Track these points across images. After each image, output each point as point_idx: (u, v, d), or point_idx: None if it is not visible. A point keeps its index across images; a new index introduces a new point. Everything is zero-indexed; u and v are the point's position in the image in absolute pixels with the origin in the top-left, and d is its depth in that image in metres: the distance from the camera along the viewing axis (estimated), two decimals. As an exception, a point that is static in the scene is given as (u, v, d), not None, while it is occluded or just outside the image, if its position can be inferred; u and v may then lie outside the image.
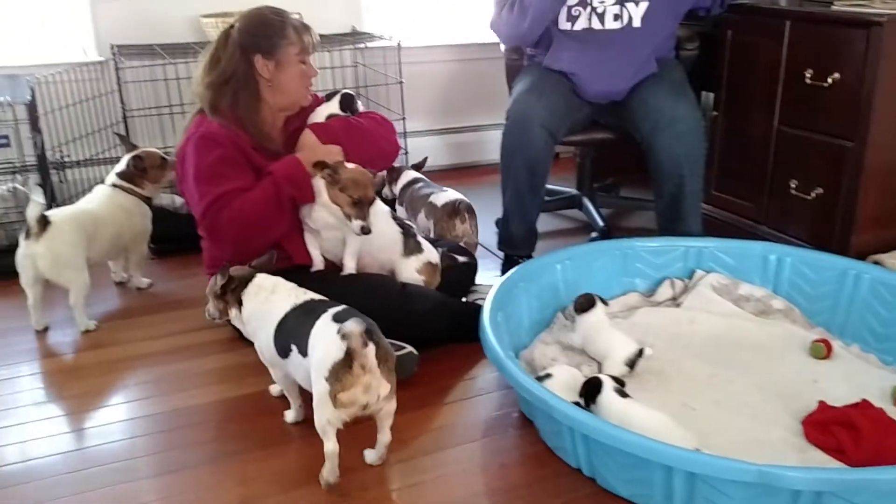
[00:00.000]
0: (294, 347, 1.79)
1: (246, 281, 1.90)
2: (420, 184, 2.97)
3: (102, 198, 2.62)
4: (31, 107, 2.82)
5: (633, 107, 2.65)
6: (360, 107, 2.50)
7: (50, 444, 1.92)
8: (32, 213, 2.34)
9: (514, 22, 2.71)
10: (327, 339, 1.67)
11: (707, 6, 2.76)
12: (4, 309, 2.63)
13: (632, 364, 2.06)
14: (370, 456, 1.80)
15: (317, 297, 1.88)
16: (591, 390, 1.81)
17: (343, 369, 1.62)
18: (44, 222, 2.36)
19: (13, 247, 2.89)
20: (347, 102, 2.41)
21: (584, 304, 2.17)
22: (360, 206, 2.11)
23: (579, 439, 1.67)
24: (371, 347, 1.62)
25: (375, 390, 1.66)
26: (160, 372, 2.24)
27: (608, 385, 1.80)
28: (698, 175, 2.58)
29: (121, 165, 2.68)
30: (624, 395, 1.80)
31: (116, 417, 2.03)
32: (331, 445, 1.69)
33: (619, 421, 1.70)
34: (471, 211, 2.79)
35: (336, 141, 2.28)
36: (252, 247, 2.08)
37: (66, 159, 3.10)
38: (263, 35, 2.18)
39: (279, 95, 2.24)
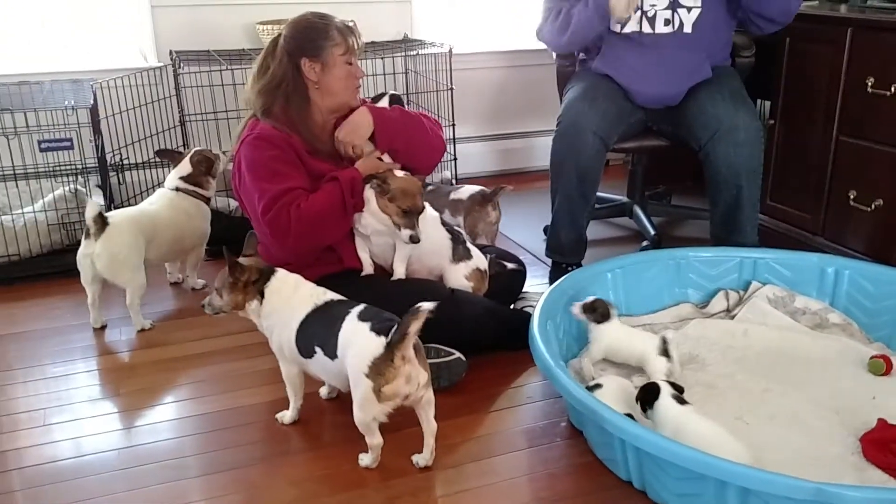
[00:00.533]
0: (319, 350, 1.84)
1: (268, 275, 1.93)
2: (430, 186, 3.02)
3: (164, 201, 2.69)
4: (94, 111, 2.90)
5: (691, 113, 2.61)
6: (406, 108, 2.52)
7: (103, 441, 1.97)
8: (91, 213, 2.41)
9: (556, 34, 2.73)
10: (361, 337, 1.73)
11: (773, 17, 2.64)
12: (65, 307, 2.71)
13: (666, 353, 2.03)
14: (421, 459, 1.82)
15: (336, 297, 1.91)
16: (648, 396, 1.79)
17: (384, 363, 1.67)
18: (102, 223, 2.43)
19: (74, 246, 2.99)
20: (395, 101, 2.43)
21: (604, 312, 2.11)
22: (409, 216, 2.13)
23: (630, 451, 1.65)
24: (408, 339, 1.67)
25: (416, 379, 1.71)
26: (212, 371, 2.28)
27: (666, 391, 1.78)
28: (756, 185, 2.54)
29: (184, 169, 2.73)
30: (682, 401, 1.77)
31: (168, 416, 2.07)
32: (377, 440, 1.76)
33: (674, 428, 1.68)
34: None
35: (391, 125, 2.31)
36: (311, 246, 2.13)
37: (125, 162, 3.18)
38: (308, 38, 2.21)
39: (327, 97, 2.26)
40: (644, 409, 1.79)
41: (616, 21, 2.62)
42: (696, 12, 2.61)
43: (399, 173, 2.19)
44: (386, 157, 2.31)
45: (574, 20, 2.65)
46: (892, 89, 2.48)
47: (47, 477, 1.82)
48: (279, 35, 2.26)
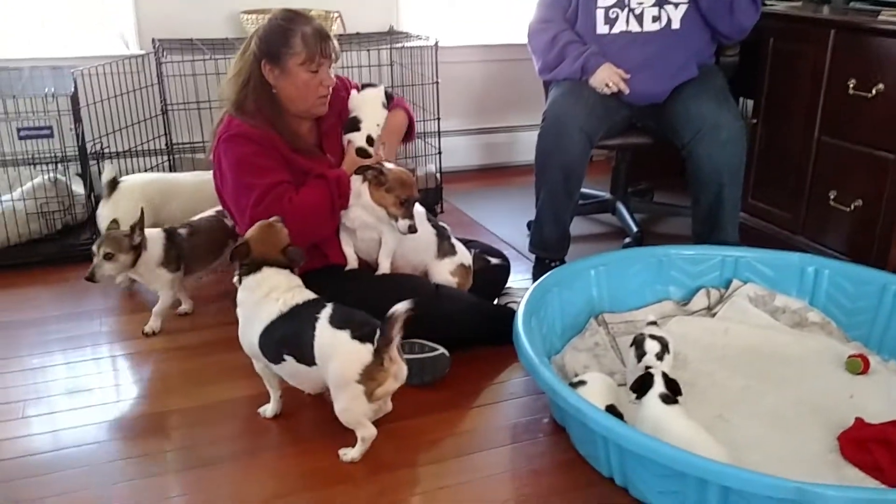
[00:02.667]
0: (290, 357, 1.83)
1: (256, 267, 1.89)
2: None
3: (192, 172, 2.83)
4: (74, 98, 2.86)
5: (675, 111, 2.63)
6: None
7: (81, 434, 1.94)
8: (105, 176, 2.66)
9: (542, 65, 2.80)
10: (343, 347, 1.74)
11: (726, 34, 2.72)
12: (44, 297, 2.68)
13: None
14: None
15: (299, 300, 1.86)
16: (642, 385, 1.82)
17: (375, 368, 1.71)
18: (113, 185, 2.66)
19: (53, 236, 2.97)
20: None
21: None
22: (407, 206, 2.13)
23: (612, 448, 1.66)
24: (394, 343, 1.71)
25: (401, 375, 1.77)
26: (193, 364, 2.26)
27: (657, 388, 1.79)
28: (738, 184, 2.56)
29: None
30: (670, 401, 1.77)
31: (148, 410, 2.05)
32: (371, 431, 1.79)
33: (653, 425, 1.69)
34: None
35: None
36: (300, 241, 2.10)
37: (106, 151, 3.14)
38: (270, 42, 2.15)
39: (288, 102, 2.20)
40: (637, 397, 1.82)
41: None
42: (683, 8, 2.63)
43: (389, 165, 2.18)
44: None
45: (558, 69, 2.73)
46: (874, 91, 2.51)
47: (24, 470, 1.80)
48: (256, 30, 2.22)
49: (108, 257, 2.28)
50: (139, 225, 2.32)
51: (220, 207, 2.44)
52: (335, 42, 2.20)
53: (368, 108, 2.37)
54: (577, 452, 1.84)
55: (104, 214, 2.61)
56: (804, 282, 2.41)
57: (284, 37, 2.13)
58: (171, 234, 2.43)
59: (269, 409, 2.00)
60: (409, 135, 2.50)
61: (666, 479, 1.56)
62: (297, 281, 1.95)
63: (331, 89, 2.25)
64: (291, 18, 2.16)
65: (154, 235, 2.39)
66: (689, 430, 1.69)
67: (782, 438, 1.85)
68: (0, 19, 3.36)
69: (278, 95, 2.19)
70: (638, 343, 1.97)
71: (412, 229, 2.13)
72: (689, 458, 1.50)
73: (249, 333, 1.90)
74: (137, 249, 2.33)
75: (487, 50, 4.07)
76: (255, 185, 2.10)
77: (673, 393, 1.80)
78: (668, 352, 1.97)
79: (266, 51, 2.15)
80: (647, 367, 1.89)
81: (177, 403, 2.07)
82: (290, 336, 1.83)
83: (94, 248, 2.30)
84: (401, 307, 1.67)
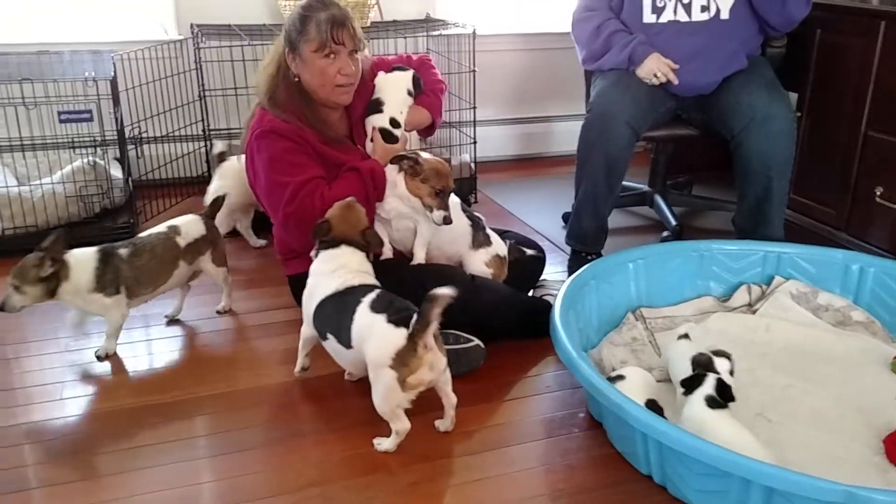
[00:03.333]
0: (331, 336, 1.87)
1: (334, 243, 1.95)
2: None
3: None
4: (114, 83, 2.87)
5: (724, 102, 2.57)
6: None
7: (116, 417, 1.95)
8: (214, 150, 2.92)
9: (587, 54, 2.76)
10: (378, 330, 1.74)
11: (776, 25, 2.67)
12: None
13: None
14: (442, 425, 1.87)
15: (356, 282, 1.89)
16: (692, 383, 1.77)
17: (408, 354, 1.69)
18: (219, 161, 2.91)
19: (91, 219, 2.99)
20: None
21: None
22: (442, 197, 2.11)
23: (652, 445, 1.63)
24: (430, 329, 1.68)
25: (438, 366, 1.74)
26: (228, 350, 2.27)
27: (704, 389, 1.74)
28: (787, 177, 2.51)
29: None
30: (715, 404, 1.72)
31: (185, 394, 2.06)
32: (404, 424, 1.77)
33: (696, 426, 1.66)
34: None
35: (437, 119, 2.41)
36: None
37: (144, 135, 3.16)
38: (289, 30, 2.16)
39: (311, 91, 2.20)
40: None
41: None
42: None
43: (425, 155, 2.16)
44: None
45: (603, 59, 2.67)
46: (926, 85, 2.44)
47: (60, 452, 1.82)
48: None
49: (15, 288, 2.07)
50: (50, 254, 2.08)
51: (173, 223, 2.34)
52: (356, 30, 2.17)
53: (392, 90, 2.34)
54: (614, 448, 1.81)
55: (210, 190, 2.84)
56: (848, 280, 2.36)
57: (301, 24, 2.14)
58: (106, 255, 2.17)
59: (297, 367, 2.08)
60: (428, 129, 2.46)
61: (708, 478, 1.53)
62: (367, 266, 1.97)
63: (356, 78, 2.22)
64: (311, 6, 2.16)
65: (83, 259, 2.15)
66: (735, 434, 1.64)
67: (825, 439, 1.80)
68: (42, 4, 3.39)
69: (303, 83, 2.20)
70: (705, 365, 1.85)
71: (447, 220, 2.12)
72: (734, 458, 1.47)
73: (310, 302, 1.94)
74: (51, 279, 2.08)
75: (525, 38, 4.02)
76: (288, 182, 2.10)
77: (723, 398, 1.74)
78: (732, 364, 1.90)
79: (288, 39, 2.17)
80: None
81: (211, 388, 2.08)
82: (334, 315, 1.86)
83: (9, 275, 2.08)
84: (441, 291, 1.64)
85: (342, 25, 2.13)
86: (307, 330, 1.99)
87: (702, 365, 1.84)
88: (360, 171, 2.15)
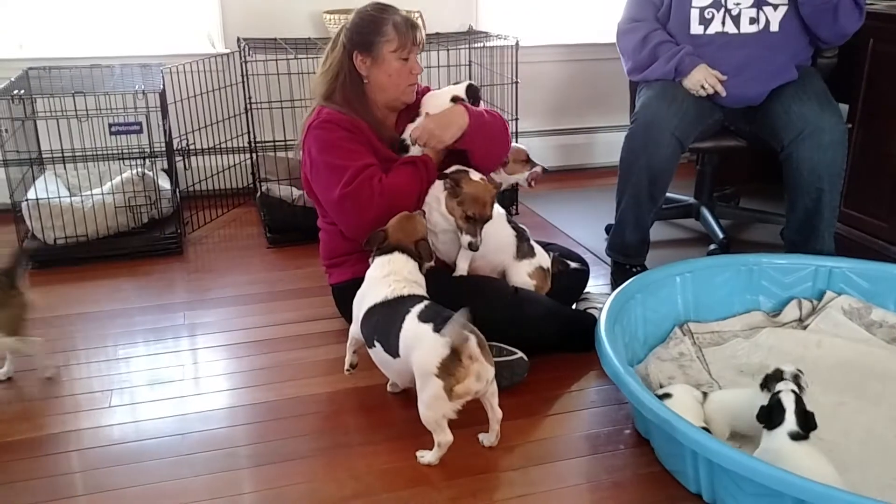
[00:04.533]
0: (378, 344, 1.88)
1: (389, 250, 1.97)
2: None
3: None
4: (163, 95, 2.93)
5: (774, 113, 2.52)
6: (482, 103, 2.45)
7: (162, 426, 1.97)
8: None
9: (632, 65, 2.72)
10: (424, 339, 1.75)
11: (827, 39, 2.62)
12: (129, 289, 2.74)
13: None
14: (486, 439, 1.85)
15: (406, 292, 1.90)
16: (770, 416, 1.67)
17: (453, 363, 1.69)
18: None
19: (139, 229, 3.05)
20: (473, 92, 2.35)
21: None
22: (474, 223, 2.11)
23: (702, 464, 1.60)
24: (473, 338, 1.69)
25: (485, 376, 1.73)
26: (272, 360, 2.28)
27: (786, 426, 1.65)
28: (837, 190, 2.45)
29: None
30: (799, 438, 1.64)
31: (227, 403, 2.07)
32: (447, 437, 1.76)
33: (774, 458, 1.59)
34: None
35: (482, 130, 2.24)
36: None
37: (192, 147, 3.21)
38: (362, 32, 2.20)
39: (379, 92, 2.25)
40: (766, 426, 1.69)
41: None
42: (782, 10, 2.53)
43: (475, 176, 2.16)
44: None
45: (650, 70, 2.64)
46: (984, 95, 2.37)
47: (108, 460, 1.84)
48: (345, 25, 2.26)
49: None
50: None
51: None
52: (422, 31, 2.26)
53: (433, 101, 2.31)
54: (661, 466, 1.78)
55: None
56: (904, 295, 2.29)
57: (377, 25, 2.19)
58: None
59: (346, 362, 2.08)
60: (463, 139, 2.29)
61: (760, 497, 1.49)
62: (419, 276, 1.99)
63: (419, 77, 2.29)
64: (383, 9, 2.24)
65: None
66: (813, 466, 1.56)
67: (880, 459, 1.75)
68: (93, 19, 3.47)
69: (369, 86, 2.24)
70: (777, 379, 1.77)
71: (472, 247, 2.11)
72: (787, 477, 1.43)
73: (360, 306, 1.97)
74: None
75: (567, 49, 4.01)
76: (347, 166, 2.13)
77: (805, 429, 1.65)
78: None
79: (359, 41, 2.20)
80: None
81: (254, 398, 2.09)
82: (382, 323, 1.88)
83: None
84: (457, 316, 1.68)
85: (416, 27, 2.23)
86: (355, 329, 2.01)
87: (775, 380, 1.77)
88: (416, 165, 2.18)
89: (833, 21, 2.52)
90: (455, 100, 2.29)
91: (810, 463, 1.58)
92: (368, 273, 2.01)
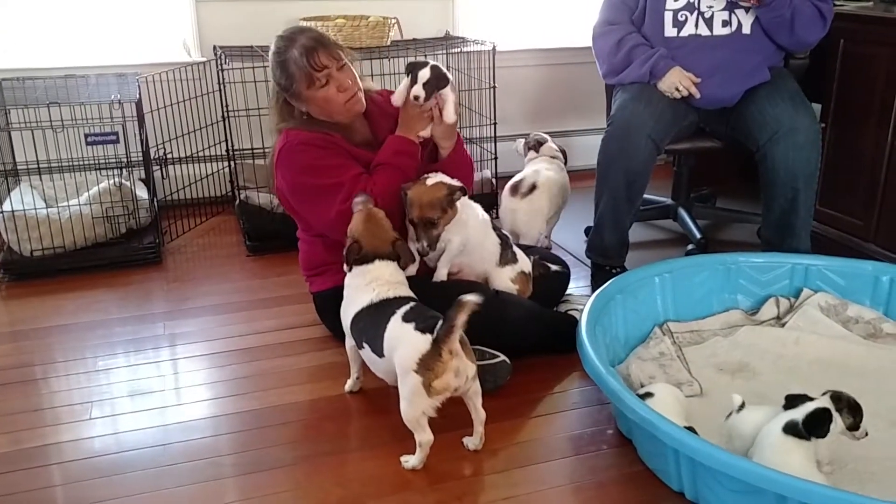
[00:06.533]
0: (367, 345, 1.90)
1: (369, 259, 1.96)
2: None
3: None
4: (139, 105, 2.91)
5: (749, 114, 2.56)
6: (451, 77, 2.24)
7: (143, 437, 1.96)
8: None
9: (608, 68, 2.75)
10: (405, 337, 1.76)
11: (787, 48, 2.68)
12: (108, 300, 2.72)
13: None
14: (471, 443, 1.86)
15: (391, 295, 1.91)
16: (816, 423, 1.62)
17: (432, 358, 1.70)
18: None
19: (117, 240, 3.02)
20: (436, 72, 2.15)
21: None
22: (415, 227, 2.10)
23: (684, 462, 1.61)
24: (455, 333, 1.69)
25: (464, 373, 1.74)
26: (254, 368, 2.27)
27: (792, 413, 1.63)
28: (812, 189, 2.49)
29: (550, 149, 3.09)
30: (796, 433, 1.61)
31: (209, 412, 2.06)
32: (427, 436, 1.76)
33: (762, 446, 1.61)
34: None
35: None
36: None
37: (168, 156, 3.19)
38: (277, 78, 2.15)
39: (325, 116, 2.19)
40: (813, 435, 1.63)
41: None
42: (754, 13, 2.56)
43: (433, 179, 2.13)
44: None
45: (625, 73, 2.66)
46: (953, 93, 2.41)
47: (89, 472, 1.82)
48: None
49: None
50: None
51: None
52: (332, 46, 2.14)
53: None
54: (644, 465, 1.79)
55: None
56: (878, 291, 2.33)
57: (284, 68, 2.12)
58: None
59: (347, 385, 2.10)
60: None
61: (741, 494, 1.51)
62: (401, 277, 1.99)
63: (357, 85, 2.17)
64: (281, 49, 2.13)
65: None
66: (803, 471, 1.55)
67: (861, 453, 1.76)
68: (67, 28, 3.44)
69: (316, 113, 2.20)
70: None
71: (420, 252, 2.12)
72: (768, 473, 1.45)
73: (346, 315, 1.99)
74: None
75: (544, 54, 4.03)
76: (340, 182, 2.12)
77: (812, 429, 1.61)
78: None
79: (282, 87, 2.17)
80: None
81: (236, 407, 2.08)
82: (369, 325, 1.89)
83: None
84: (469, 297, 1.66)
85: (314, 50, 2.10)
86: (350, 342, 2.02)
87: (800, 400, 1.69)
88: (387, 164, 2.16)
89: (789, 32, 2.57)
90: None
91: (801, 466, 1.58)
92: (347, 281, 2.00)
